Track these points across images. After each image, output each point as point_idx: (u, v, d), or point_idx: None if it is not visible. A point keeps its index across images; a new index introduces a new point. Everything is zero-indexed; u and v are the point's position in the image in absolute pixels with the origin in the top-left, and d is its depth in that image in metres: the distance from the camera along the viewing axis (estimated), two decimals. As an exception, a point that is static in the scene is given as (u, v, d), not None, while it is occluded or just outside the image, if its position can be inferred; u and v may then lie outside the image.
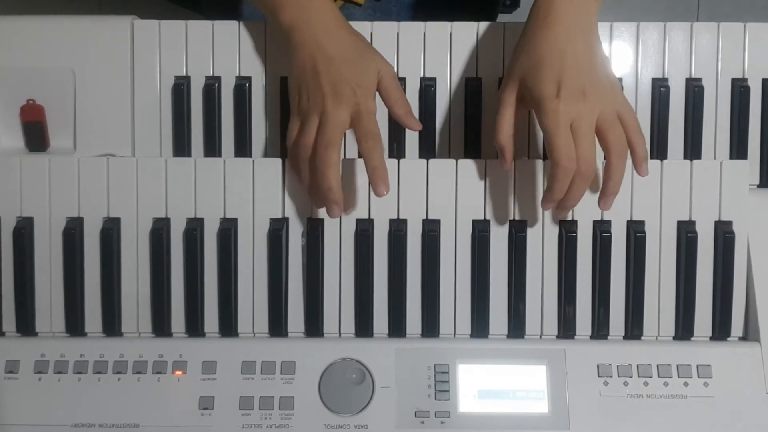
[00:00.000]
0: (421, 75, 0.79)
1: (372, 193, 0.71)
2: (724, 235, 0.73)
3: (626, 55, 0.79)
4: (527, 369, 0.72)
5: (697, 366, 0.71)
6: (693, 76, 0.79)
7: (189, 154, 0.79)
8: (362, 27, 0.77)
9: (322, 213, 0.74)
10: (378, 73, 0.71)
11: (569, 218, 0.74)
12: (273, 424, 0.70)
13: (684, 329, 0.74)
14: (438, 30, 0.79)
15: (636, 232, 0.73)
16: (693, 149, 0.79)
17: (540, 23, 0.69)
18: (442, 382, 0.71)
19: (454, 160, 0.74)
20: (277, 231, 0.74)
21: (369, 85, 0.71)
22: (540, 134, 0.78)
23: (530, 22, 0.71)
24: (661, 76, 0.79)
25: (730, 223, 0.74)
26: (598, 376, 0.71)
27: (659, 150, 0.78)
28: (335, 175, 0.69)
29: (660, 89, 0.78)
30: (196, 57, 0.79)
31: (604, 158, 0.69)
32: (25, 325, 0.74)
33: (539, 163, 0.74)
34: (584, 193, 0.68)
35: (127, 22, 0.79)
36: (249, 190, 0.74)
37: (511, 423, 0.70)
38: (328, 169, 0.69)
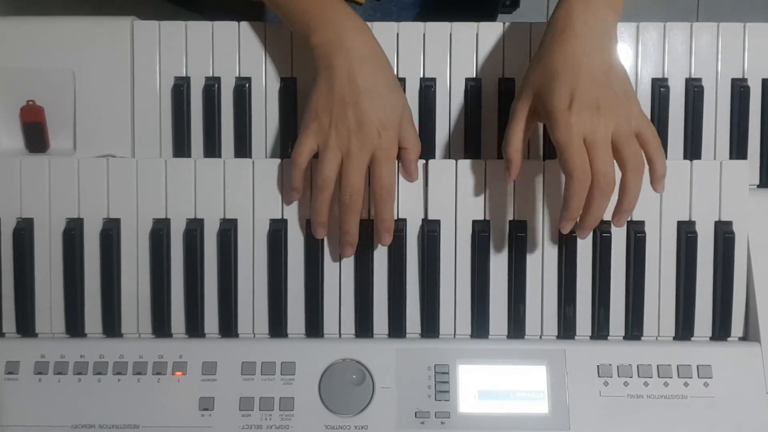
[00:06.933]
0: (421, 75, 0.79)
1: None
2: (724, 235, 0.73)
3: (626, 55, 0.79)
4: (527, 369, 0.72)
5: (697, 366, 0.71)
6: (693, 76, 0.79)
7: (189, 155, 0.79)
8: (362, 27, 0.77)
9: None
10: (402, 112, 0.71)
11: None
12: (273, 425, 0.70)
13: (684, 329, 0.74)
14: (438, 30, 0.79)
15: (636, 232, 0.73)
16: (693, 149, 0.79)
17: (557, 36, 0.68)
18: (442, 383, 0.71)
19: (453, 161, 0.74)
20: (277, 232, 0.74)
21: (393, 126, 0.70)
22: (540, 135, 0.78)
23: (547, 34, 0.70)
24: (660, 76, 0.79)
25: (730, 223, 0.74)
26: (598, 376, 0.71)
27: (659, 150, 0.78)
28: (357, 221, 0.71)
29: (660, 89, 0.78)
30: (195, 57, 0.79)
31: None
32: (25, 326, 0.74)
33: (539, 164, 0.74)
34: (605, 209, 0.67)
35: (126, 22, 0.79)
36: (249, 191, 0.74)
37: (512, 423, 0.70)
38: (352, 216, 0.70)
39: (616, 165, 0.67)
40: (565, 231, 0.68)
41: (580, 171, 0.64)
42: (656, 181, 0.68)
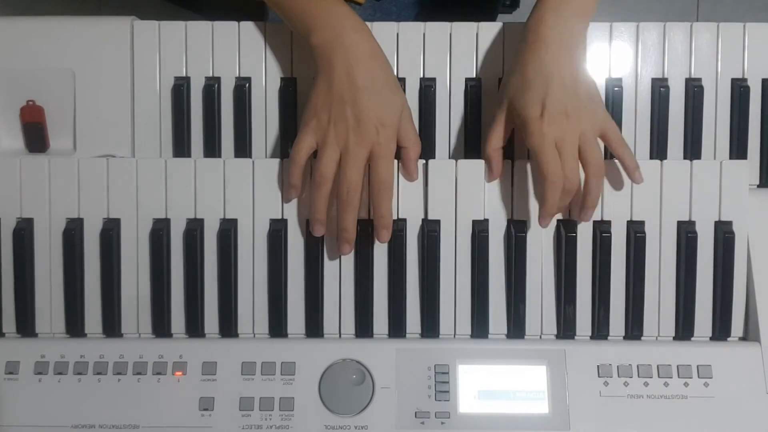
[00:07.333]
0: (421, 75, 0.79)
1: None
2: (724, 235, 0.73)
3: (626, 55, 0.79)
4: (527, 369, 0.72)
5: (698, 366, 0.71)
6: (693, 76, 0.79)
7: (189, 155, 0.79)
8: (362, 27, 0.77)
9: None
10: (401, 110, 0.72)
11: (569, 218, 0.74)
12: (273, 425, 0.70)
13: (684, 329, 0.74)
14: (438, 30, 0.79)
15: (636, 232, 0.73)
16: (693, 149, 0.79)
17: (529, 47, 0.72)
18: (442, 383, 0.71)
19: (453, 161, 0.74)
20: (277, 232, 0.74)
21: (392, 123, 0.71)
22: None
23: (521, 44, 0.73)
24: (660, 76, 0.79)
25: (730, 223, 0.74)
26: (598, 376, 0.71)
27: (659, 150, 0.78)
28: (354, 217, 0.71)
29: (660, 89, 0.78)
30: (195, 57, 0.79)
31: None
32: (25, 326, 0.74)
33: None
34: (567, 203, 0.71)
35: (126, 22, 0.79)
36: (249, 191, 0.74)
37: (512, 423, 0.70)
38: (350, 212, 0.70)
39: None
40: (544, 226, 0.72)
41: (554, 174, 0.69)
42: (631, 174, 0.72)
